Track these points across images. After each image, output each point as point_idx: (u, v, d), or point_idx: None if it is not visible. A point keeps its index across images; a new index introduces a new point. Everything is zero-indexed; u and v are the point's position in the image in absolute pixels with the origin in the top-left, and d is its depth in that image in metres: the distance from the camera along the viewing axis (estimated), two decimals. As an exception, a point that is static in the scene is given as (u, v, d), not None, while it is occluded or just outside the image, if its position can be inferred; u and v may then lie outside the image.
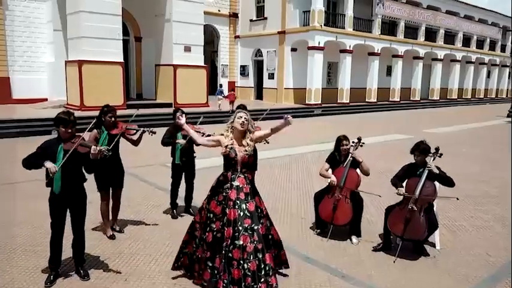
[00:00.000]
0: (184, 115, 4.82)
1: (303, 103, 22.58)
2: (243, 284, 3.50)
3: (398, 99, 27.87)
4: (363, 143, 5.16)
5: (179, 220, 5.60)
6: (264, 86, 24.93)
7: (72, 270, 4.00)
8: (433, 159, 4.69)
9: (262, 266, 3.57)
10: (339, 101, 24.02)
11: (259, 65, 25.31)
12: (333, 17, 23.75)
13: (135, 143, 4.82)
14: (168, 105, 18.43)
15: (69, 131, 3.79)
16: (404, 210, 4.54)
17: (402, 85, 28.13)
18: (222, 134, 3.85)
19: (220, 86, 21.71)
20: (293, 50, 23.05)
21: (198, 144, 4.34)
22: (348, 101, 24.11)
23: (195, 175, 5.83)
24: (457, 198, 5.06)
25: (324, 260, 4.47)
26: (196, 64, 19.08)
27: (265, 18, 24.10)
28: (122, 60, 16.91)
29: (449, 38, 31.77)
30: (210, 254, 3.69)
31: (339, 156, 5.10)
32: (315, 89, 22.28)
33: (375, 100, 26.12)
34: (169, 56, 18.74)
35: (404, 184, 4.69)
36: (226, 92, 21.16)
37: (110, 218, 4.99)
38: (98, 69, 16.04)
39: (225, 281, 3.53)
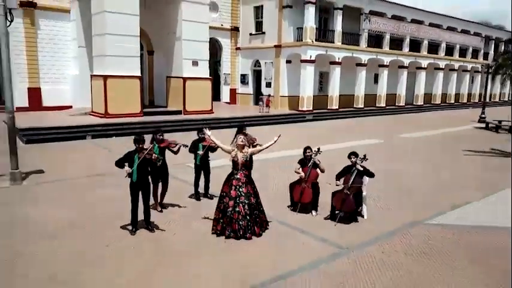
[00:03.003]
0: (207, 129, 7.49)
1: (297, 109, 25.37)
2: (239, 233, 6.33)
3: (384, 105, 30.67)
4: (321, 152, 7.93)
5: (201, 202, 8.42)
6: (262, 94, 27.68)
7: (143, 226, 6.79)
8: (361, 162, 7.47)
9: (250, 224, 6.41)
10: (329, 107, 26.82)
11: (257, 74, 28.10)
12: (323, 32, 26.56)
13: (175, 153, 7.63)
14: (178, 112, 21.25)
15: (140, 146, 6.58)
16: (342, 193, 7.33)
17: (388, 91, 30.90)
18: (231, 151, 6.62)
19: (261, 94, 25.68)
20: (288, 61, 25.84)
21: (214, 151, 7.19)
22: (337, 107, 26.91)
23: (210, 172, 8.62)
24: (329, 184, 7.82)
25: (293, 224, 7.27)
26: (203, 76, 21.87)
27: (263, 33, 26.89)
28: (139, 74, 19.70)
29: (433, 47, 34.53)
30: (221, 216, 6.52)
31: (305, 159, 7.89)
32: (307, 96, 25.08)
33: (362, 106, 28.93)
34: (179, 69, 21.53)
35: (343, 178, 7.49)
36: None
37: (158, 200, 7.80)
38: (119, 82, 18.82)
39: (229, 230, 6.38)
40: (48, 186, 9.50)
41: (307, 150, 7.86)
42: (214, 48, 28.34)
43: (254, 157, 7.76)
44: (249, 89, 28.56)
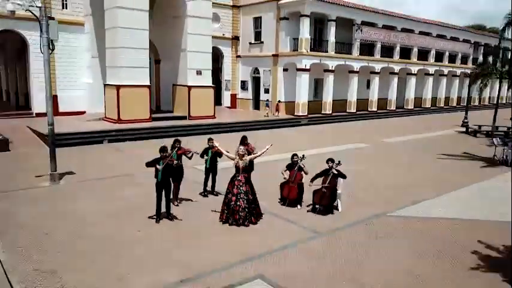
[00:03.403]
0: (213, 140, 9.44)
1: (293, 114, 27.34)
2: (239, 221, 8.32)
3: (376, 109, 32.64)
4: (305, 158, 9.89)
5: (209, 198, 10.39)
6: (260, 99, 29.67)
7: (165, 216, 8.76)
8: (336, 166, 9.43)
9: (248, 215, 8.40)
10: (323, 112, 28.79)
11: (256, 81, 30.07)
12: (318, 42, 28.52)
13: (190, 158, 9.60)
14: (184, 117, 23.21)
15: (165, 154, 8.55)
16: (321, 191, 9.31)
17: (380, 96, 32.85)
18: (234, 158, 8.61)
19: (267, 100, 27.75)
20: (285, 70, 27.80)
21: (220, 156, 9.20)
22: (330, 112, 28.88)
23: (217, 173, 10.59)
24: (310, 185, 9.79)
25: (283, 215, 9.24)
26: (206, 85, 23.85)
27: (262, 42, 28.85)
28: (148, 84, 21.67)
29: (423, 54, 36.47)
30: (226, 208, 8.52)
31: (293, 164, 9.85)
32: (302, 102, 27.05)
33: (355, 110, 30.91)
34: (184, 78, 23.51)
35: (322, 178, 9.47)
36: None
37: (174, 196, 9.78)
38: (130, 91, 20.78)
39: (232, 219, 8.36)
40: (81, 185, 11.47)
41: (294, 157, 9.84)
42: (216, 56, 30.28)
43: (255, 160, 9.72)
44: (249, 94, 30.53)
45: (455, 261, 7.14)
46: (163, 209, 8.75)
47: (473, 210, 10.16)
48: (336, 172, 9.34)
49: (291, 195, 9.72)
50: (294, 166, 9.81)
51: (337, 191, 9.58)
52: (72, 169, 12.91)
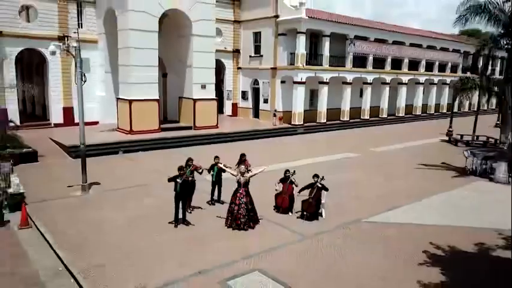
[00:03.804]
0: (218, 158, 11.56)
1: (289, 123, 29.44)
2: (240, 226, 10.42)
3: (368, 117, 34.74)
4: (295, 172, 11.96)
5: (215, 206, 12.46)
6: (260, 108, 31.79)
7: (181, 222, 10.84)
8: (321, 181, 11.51)
9: (247, 221, 10.51)
10: (318, 121, 30.88)
11: (256, 92, 32.17)
12: (314, 55, 30.61)
13: (200, 174, 11.68)
14: (189, 127, 25.29)
15: (182, 172, 10.64)
16: (307, 201, 11.40)
17: (372, 104, 34.94)
18: (236, 174, 10.71)
19: (275, 111, 29.72)
20: (282, 82, 29.90)
21: (224, 172, 11.31)
22: (325, 121, 30.97)
23: (222, 185, 12.66)
24: (297, 194, 11.92)
25: (276, 220, 11.32)
26: (210, 97, 25.95)
27: (261, 56, 30.95)
28: (158, 98, 23.76)
29: (414, 64, 38.56)
30: (229, 215, 10.62)
31: (285, 178, 11.94)
32: (298, 112, 29.15)
33: (348, 119, 33.01)
34: (189, 92, 25.61)
35: (308, 190, 11.55)
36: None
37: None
38: (141, 105, 22.87)
39: (234, 224, 10.48)
40: (107, 194, 13.55)
41: (287, 172, 11.94)
42: (219, 68, 32.34)
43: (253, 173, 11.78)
44: (249, 103, 32.64)
45: (408, 258, 9.23)
46: (180, 216, 10.83)
47: (439, 216, 12.23)
48: (320, 185, 11.42)
49: (283, 204, 11.81)
50: (286, 180, 11.89)
51: (322, 201, 11.66)
52: (95, 179, 14.93)
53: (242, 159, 12.40)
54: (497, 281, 8.39)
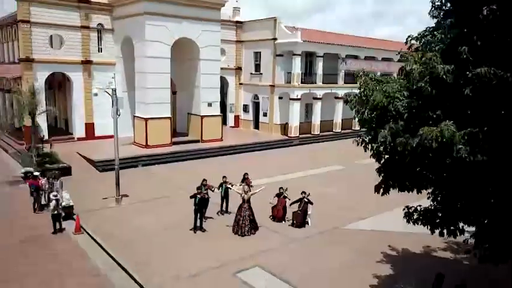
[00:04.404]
0: (226, 178, 14.81)
1: (286, 134, 32.65)
2: (244, 233, 13.69)
3: (359, 128, 37.90)
4: (287, 189, 15.17)
5: (224, 216, 15.66)
6: (260, 121, 35.02)
7: (199, 229, 14.05)
8: (307, 196, 14.72)
9: (249, 229, 13.79)
10: (312, 132, 34.10)
11: (256, 105, 35.39)
12: (309, 73, 33.81)
13: (213, 191, 14.89)
14: (197, 141, 28.50)
15: (199, 190, 13.86)
16: (296, 212, 14.62)
17: (363, 117, 38.04)
18: (241, 193, 13.95)
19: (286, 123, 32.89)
20: (280, 98, 33.12)
21: (230, 189, 14.56)
22: (318, 133, 34.19)
23: (229, 199, 15.86)
24: (289, 206, 15.15)
25: (272, 228, 14.54)
26: (215, 114, 29.18)
27: (261, 74, 34.16)
28: (170, 116, 26.97)
29: (402, 78, 41.65)
30: (235, 224, 13.88)
31: (279, 193, 15.15)
32: (294, 125, 32.38)
33: (340, 130, 36.22)
34: (197, 109, 28.85)
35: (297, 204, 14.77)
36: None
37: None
38: (156, 122, 26.07)
39: (239, 231, 13.74)
40: (136, 206, 16.74)
41: (280, 189, 15.18)
42: (222, 84, 35.53)
43: (254, 183, 15.01)
44: (250, 116, 35.87)
45: (369, 255, 12.44)
46: (198, 224, 14.05)
47: (402, 224, 15.41)
48: (306, 200, 14.65)
49: (278, 214, 15.04)
50: (280, 195, 15.12)
51: (308, 213, 14.87)
52: (122, 191, 18.03)
53: (245, 177, 15.63)
54: (432, 275, 11.61)
